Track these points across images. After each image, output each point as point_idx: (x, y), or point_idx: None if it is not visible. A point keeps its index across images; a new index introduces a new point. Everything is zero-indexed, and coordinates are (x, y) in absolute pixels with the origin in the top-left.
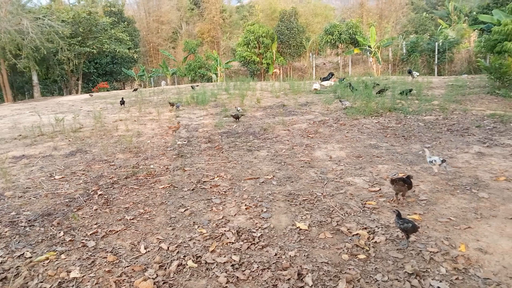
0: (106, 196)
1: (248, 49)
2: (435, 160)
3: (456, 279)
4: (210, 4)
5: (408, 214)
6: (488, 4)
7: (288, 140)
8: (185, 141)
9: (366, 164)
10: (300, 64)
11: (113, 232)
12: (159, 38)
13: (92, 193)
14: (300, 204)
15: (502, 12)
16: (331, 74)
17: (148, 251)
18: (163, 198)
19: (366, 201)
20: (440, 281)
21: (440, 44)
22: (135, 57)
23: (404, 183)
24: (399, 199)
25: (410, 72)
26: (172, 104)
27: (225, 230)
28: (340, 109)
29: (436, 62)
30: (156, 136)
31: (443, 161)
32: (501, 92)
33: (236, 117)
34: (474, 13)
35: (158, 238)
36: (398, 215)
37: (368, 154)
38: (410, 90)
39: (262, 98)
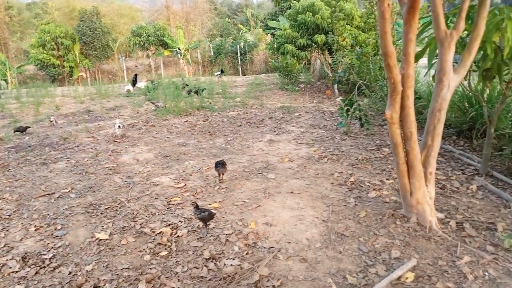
0: None
1: (45, 51)
2: (116, 126)
3: (246, 254)
4: None
5: (209, 204)
6: (276, 12)
7: (92, 148)
8: None
9: (173, 162)
10: (109, 67)
11: None
12: None
13: None
14: (101, 213)
15: (285, 19)
16: (136, 76)
17: None
18: None
19: (171, 198)
20: (233, 259)
21: (242, 46)
22: None
23: (224, 165)
24: (221, 179)
25: (222, 72)
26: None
27: (7, 260)
28: (150, 111)
29: (239, 63)
30: None
31: (119, 126)
32: (289, 87)
33: (21, 130)
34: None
35: None
36: (196, 207)
37: (176, 152)
38: (204, 89)
39: (63, 105)
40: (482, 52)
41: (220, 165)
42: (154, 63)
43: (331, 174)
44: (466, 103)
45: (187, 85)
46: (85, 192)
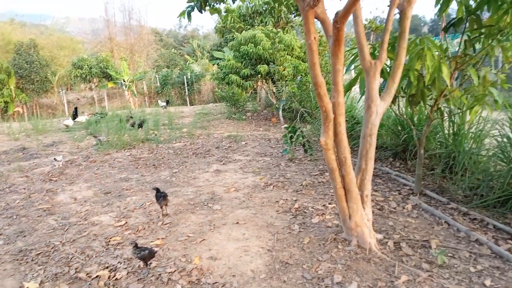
0: None
1: None
2: (54, 158)
3: None
4: None
5: (152, 241)
6: (221, 43)
7: (25, 188)
8: None
9: (114, 199)
10: (49, 100)
11: None
12: None
13: None
14: (32, 260)
15: (229, 50)
16: (76, 109)
17: None
18: None
19: (111, 238)
20: None
21: (189, 77)
22: None
23: (165, 197)
24: (165, 213)
25: (168, 102)
26: None
27: None
28: (92, 146)
29: (187, 93)
30: None
31: (55, 159)
32: (236, 116)
33: None
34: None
35: None
36: (135, 246)
37: (118, 188)
38: (144, 121)
39: None
40: (407, 79)
41: (161, 198)
42: (97, 95)
43: (277, 201)
44: (399, 126)
45: (132, 117)
46: (14, 238)
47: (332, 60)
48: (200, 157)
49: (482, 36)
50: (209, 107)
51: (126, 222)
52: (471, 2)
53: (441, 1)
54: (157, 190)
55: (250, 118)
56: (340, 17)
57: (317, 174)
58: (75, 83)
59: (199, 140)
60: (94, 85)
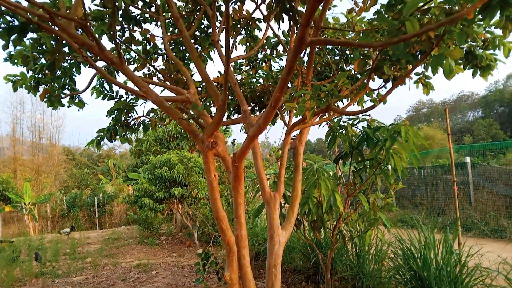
0: None
1: None
2: None
3: None
4: None
5: None
6: (137, 163)
7: None
8: None
9: None
10: None
11: None
12: None
13: None
14: None
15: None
16: None
17: None
18: None
19: None
20: None
21: (100, 198)
22: None
23: None
24: None
25: (73, 228)
26: None
27: None
28: None
29: (97, 215)
30: None
31: None
32: (148, 241)
33: None
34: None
35: None
36: None
37: None
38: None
39: None
40: (307, 206)
41: None
42: None
43: None
44: (308, 248)
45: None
46: None
47: (233, 194)
48: None
49: (367, 167)
50: (120, 230)
51: None
52: (355, 138)
53: (329, 139)
54: None
55: (164, 242)
56: (238, 157)
57: None
58: None
59: (104, 271)
60: None
